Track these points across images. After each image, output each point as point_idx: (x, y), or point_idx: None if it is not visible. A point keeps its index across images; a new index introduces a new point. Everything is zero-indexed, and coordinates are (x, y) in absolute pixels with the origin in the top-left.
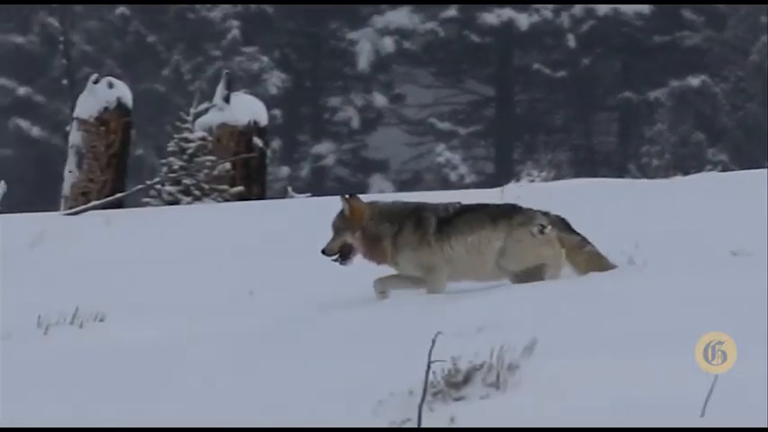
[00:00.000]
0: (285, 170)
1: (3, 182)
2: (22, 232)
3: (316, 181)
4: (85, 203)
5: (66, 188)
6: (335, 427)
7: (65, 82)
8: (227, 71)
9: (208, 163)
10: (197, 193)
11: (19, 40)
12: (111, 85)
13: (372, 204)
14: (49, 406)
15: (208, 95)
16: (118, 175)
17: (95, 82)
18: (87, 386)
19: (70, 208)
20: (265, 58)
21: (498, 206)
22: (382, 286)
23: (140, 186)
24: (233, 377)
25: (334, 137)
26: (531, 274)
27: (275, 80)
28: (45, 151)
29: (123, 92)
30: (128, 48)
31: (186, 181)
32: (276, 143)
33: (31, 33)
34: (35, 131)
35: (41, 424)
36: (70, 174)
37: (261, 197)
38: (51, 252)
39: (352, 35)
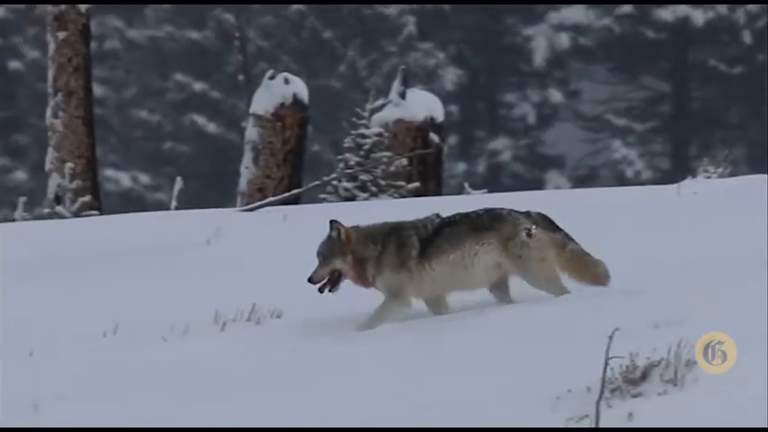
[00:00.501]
0: (461, 166)
1: (179, 178)
2: (198, 228)
3: (492, 177)
4: (262, 199)
5: (242, 184)
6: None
7: (240, 78)
8: (402, 67)
9: (384, 159)
10: (374, 189)
11: (194, 35)
12: (287, 81)
13: (356, 228)
14: (223, 404)
15: (384, 91)
16: (294, 171)
17: (271, 78)
18: (267, 384)
19: (246, 204)
20: (441, 54)
21: (479, 215)
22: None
23: (317, 182)
24: (407, 374)
25: (510, 133)
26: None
27: (451, 76)
28: (221, 147)
29: (299, 88)
30: (303, 44)
31: (363, 177)
32: (452, 139)
33: (206, 29)
34: (211, 127)
35: (216, 423)
36: (246, 170)
37: (437, 193)
38: (228, 248)
39: (527, 31)
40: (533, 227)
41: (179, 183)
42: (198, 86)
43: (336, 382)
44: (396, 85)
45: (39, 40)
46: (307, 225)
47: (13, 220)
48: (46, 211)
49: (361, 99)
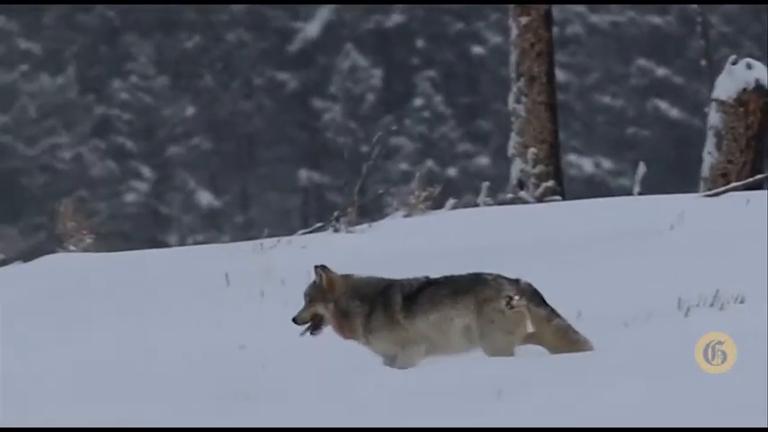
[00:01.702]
0: None
1: (641, 163)
2: (662, 213)
3: None
4: (725, 185)
5: (704, 170)
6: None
7: (703, 63)
8: None
9: None
10: None
11: (656, 20)
12: (749, 67)
13: (346, 278)
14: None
15: None
16: (756, 156)
17: (734, 63)
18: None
19: (709, 189)
20: None
21: (463, 278)
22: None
23: None
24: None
25: None
26: (506, 352)
27: None
28: (684, 132)
29: (761, 73)
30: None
31: None
32: None
33: (668, 14)
34: (674, 113)
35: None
36: (709, 155)
37: None
38: (691, 233)
39: None
40: (516, 297)
41: (642, 168)
42: (660, 72)
43: None
44: None
45: (501, 26)
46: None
47: (476, 205)
48: (509, 196)
49: None
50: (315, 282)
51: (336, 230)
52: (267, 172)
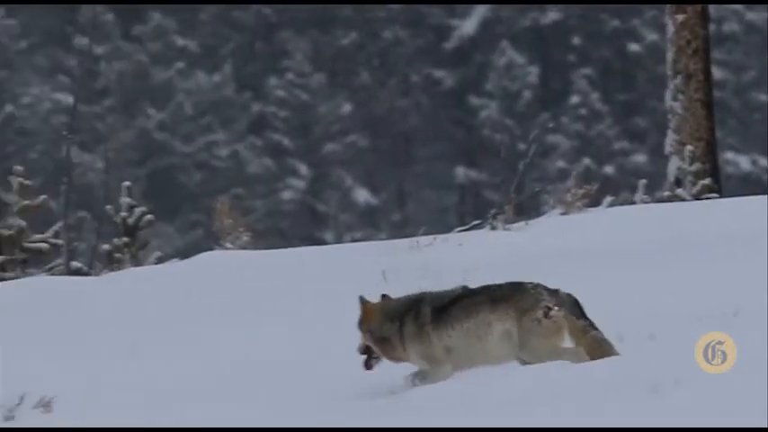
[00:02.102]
0: None
1: None
2: None
3: None
4: None
5: None
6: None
7: None
8: None
9: None
10: None
11: None
12: None
13: (382, 302)
14: None
15: None
16: None
17: None
18: None
19: None
20: None
21: (500, 287)
22: None
23: None
24: None
25: None
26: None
27: None
28: None
29: None
30: None
31: None
32: None
33: None
34: None
35: None
36: None
37: None
38: None
39: None
40: (556, 308)
41: None
42: None
43: None
44: None
45: (657, 23)
46: None
47: (633, 203)
48: (666, 194)
49: None
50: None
51: (493, 228)
52: (423, 169)
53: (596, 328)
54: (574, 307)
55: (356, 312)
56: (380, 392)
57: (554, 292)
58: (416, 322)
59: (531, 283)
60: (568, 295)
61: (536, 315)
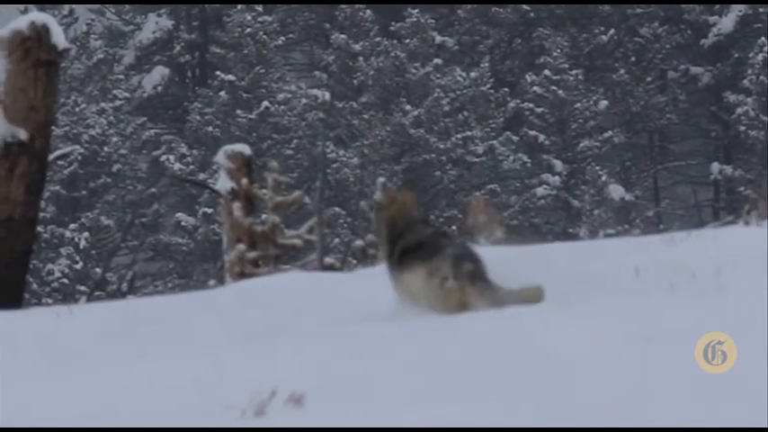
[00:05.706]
0: None
1: None
2: None
3: None
4: None
5: None
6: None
7: None
8: None
9: None
10: None
11: None
12: None
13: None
14: None
15: None
16: None
17: None
18: None
19: None
20: None
21: (433, 246)
22: None
23: None
24: None
25: None
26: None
27: None
28: None
29: None
30: None
31: None
32: None
33: None
34: None
35: None
36: None
37: None
38: None
39: None
40: (451, 280)
41: None
42: None
43: None
44: None
45: None
46: None
47: None
48: None
49: None
50: None
51: (747, 224)
52: (678, 165)
53: (491, 287)
54: (473, 276)
55: (607, 310)
56: None
57: (460, 258)
58: (391, 258)
59: (455, 244)
60: (472, 265)
61: (435, 281)
